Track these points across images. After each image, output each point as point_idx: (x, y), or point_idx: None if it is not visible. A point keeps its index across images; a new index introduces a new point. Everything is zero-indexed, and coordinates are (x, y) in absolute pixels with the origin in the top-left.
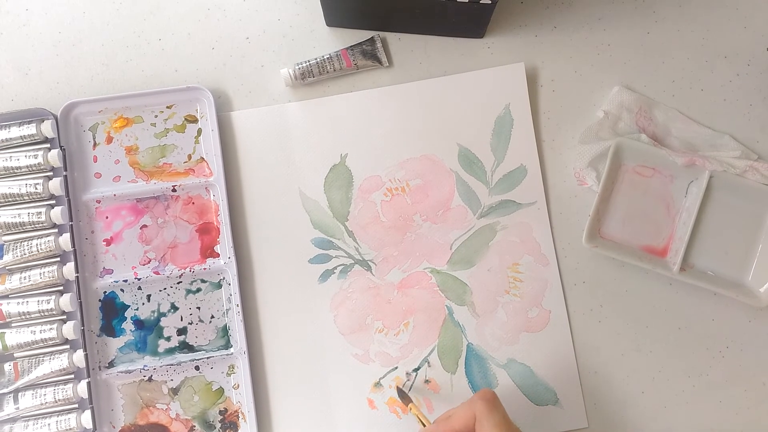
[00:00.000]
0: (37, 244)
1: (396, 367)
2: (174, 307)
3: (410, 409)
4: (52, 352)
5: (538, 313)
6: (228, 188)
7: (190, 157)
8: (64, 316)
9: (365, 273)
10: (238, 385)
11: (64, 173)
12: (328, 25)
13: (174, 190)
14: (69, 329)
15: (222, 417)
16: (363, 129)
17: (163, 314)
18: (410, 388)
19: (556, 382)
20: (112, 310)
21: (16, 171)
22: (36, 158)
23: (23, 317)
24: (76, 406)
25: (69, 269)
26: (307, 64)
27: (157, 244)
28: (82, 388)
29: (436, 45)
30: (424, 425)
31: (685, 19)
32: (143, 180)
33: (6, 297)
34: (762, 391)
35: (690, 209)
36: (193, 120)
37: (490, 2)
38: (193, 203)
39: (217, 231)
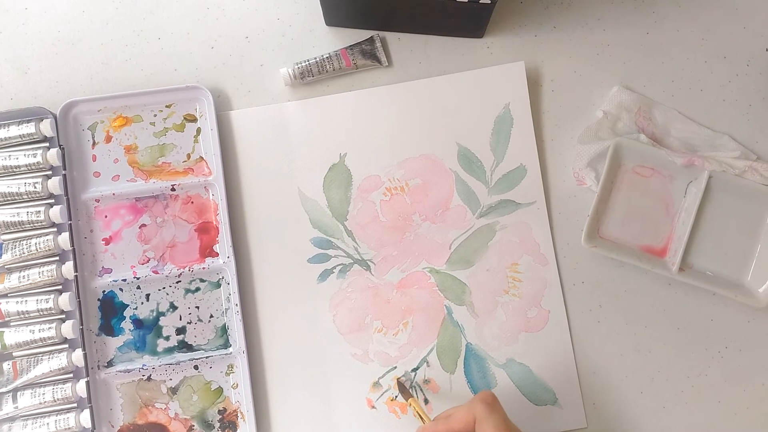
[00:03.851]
0: (36, 243)
1: (395, 367)
2: (173, 307)
3: (410, 404)
4: (51, 351)
5: (537, 313)
6: (227, 187)
7: (189, 156)
8: (63, 315)
9: (364, 273)
10: (237, 385)
11: (63, 172)
12: (327, 24)
13: (173, 190)
14: (68, 328)
15: (221, 416)
16: (362, 128)
17: (162, 313)
18: (410, 386)
19: (555, 382)
20: (111, 310)
21: (15, 170)
22: (35, 157)
23: (22, 316)
24: (75, 405)
25: (68, 268)
26: (307, 63)
27: (156, 243)
28: (81, 387)
29: (436, 45)
30: (423, 421)
31: (685, 19)
32: (142, 179)
33: (5, 296)
34: (761, 391)
35: (689, 209)
36: (192, 119)
37: (489, 2)
38: (192, 202)
39: (216, 230)
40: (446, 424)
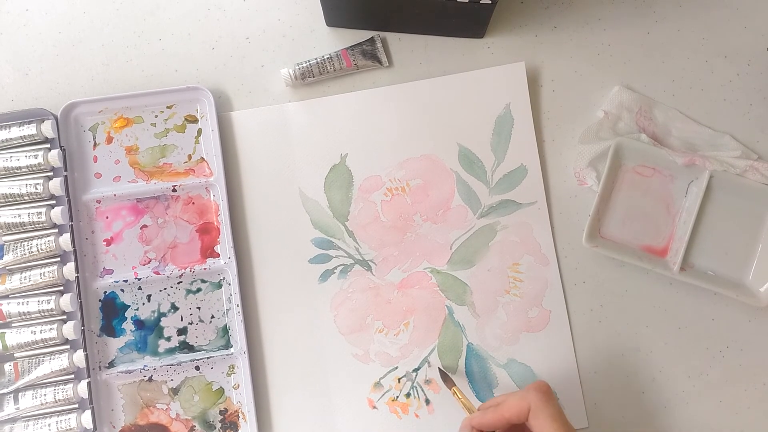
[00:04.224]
0: (37, 244)
1: (396, 367)
2: (174, 307)
3: (453, 392)
4: (52, 352)
5: (538, 313)
6: (228, 188)
7: (190, 157)
8: (65, 316)
9: (365, 273)
10: (239, 385)
11: (65, 173)
12: (328, 25)
13: (174, 190)
14: (69, 329)
15: (222, 417)
16: (363, 129)
17: (164, 314)
18: (410, 387)
19: (556, 381)
20: (112, 310)
21: (16, 171)
22: (36, 158)
23: (23, 317)
24: (77, 406)
25: (69, 269)
26: (307, 64)
27: (158, 244)
28: (83, 388)
29: (436, 45)
30: (468, 411)
31: (685, 19)
32: (143, 180)
33: (6, 297)
34: (762, 391)
35: (690, 209)
36: (193, 120)
37: (490, 2)
38: (193, 203)
39: (218, 231)
40: (497, 413)
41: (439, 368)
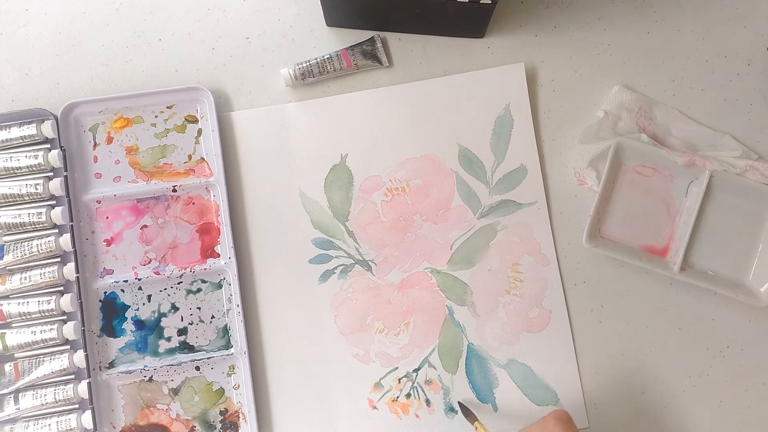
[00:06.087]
0: (37, 245)
1: (396, 368)
2: (174, 308)
3: (476, 427)
4: (52, 353)
5: (538, 313)
6: (228, 188)
7: (190, 157)
8: (65, 317)
9: (365, 273)
10: (239, 386)
11: (65, 173)
12: (328, 25)
13: (174, 191)
14: (69, 329)
15: (222, 417)
16: (363, 129)
17: (164, 314)
18: (411, 387)
19: (556, 382)
20: (112, 311)
21: (16, 171)
22: (36, 158)
23: (24, 318)
24: (77, 406)
25: (69, 269)
26: (307, 64)
27: (158, 244)
28: (83, 388)
29: (436, 45)
30: None
31: (685, 18)
32: (143, 180)
33: (6, 297)
34: (762, 391)
35: (690, 209)
36: (193, 120)
37: (490, 2)
38: (194, 203)
39: (218, 231)
40: None
41: (459, 402)
